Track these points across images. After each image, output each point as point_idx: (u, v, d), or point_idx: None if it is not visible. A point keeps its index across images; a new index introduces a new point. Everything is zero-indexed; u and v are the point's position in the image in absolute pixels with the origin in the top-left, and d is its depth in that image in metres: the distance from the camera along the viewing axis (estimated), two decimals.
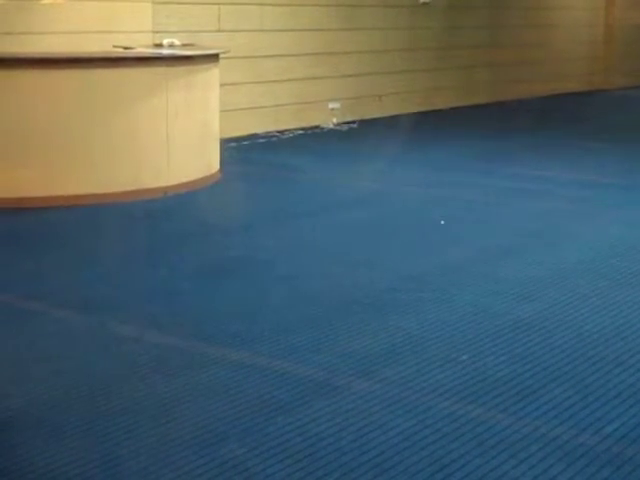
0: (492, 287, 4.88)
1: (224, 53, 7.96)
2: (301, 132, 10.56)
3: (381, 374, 3.71)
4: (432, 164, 8.75)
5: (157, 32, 8.87)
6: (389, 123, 11.48)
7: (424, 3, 12.42)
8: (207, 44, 8.89)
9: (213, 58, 7.69)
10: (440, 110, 12.65)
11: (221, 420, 3.29)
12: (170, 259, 5.44)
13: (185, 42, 8.11)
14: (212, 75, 7.69)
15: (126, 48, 7.61)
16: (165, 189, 7.11)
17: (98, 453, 3.05)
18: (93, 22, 8.40)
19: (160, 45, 7.89)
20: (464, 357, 3.90)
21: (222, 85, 8.16)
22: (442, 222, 6.33)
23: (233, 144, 9.45)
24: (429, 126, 11.41)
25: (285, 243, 5.85)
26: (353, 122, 11.26)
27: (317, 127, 10.90)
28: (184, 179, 7.28)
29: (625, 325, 4.33)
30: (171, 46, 7.78)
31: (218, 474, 2.92)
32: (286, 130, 10.54)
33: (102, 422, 3.27)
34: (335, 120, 11.08)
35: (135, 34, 8.68)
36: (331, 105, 11.05)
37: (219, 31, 9.71)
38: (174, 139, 7.16)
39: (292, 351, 3.95)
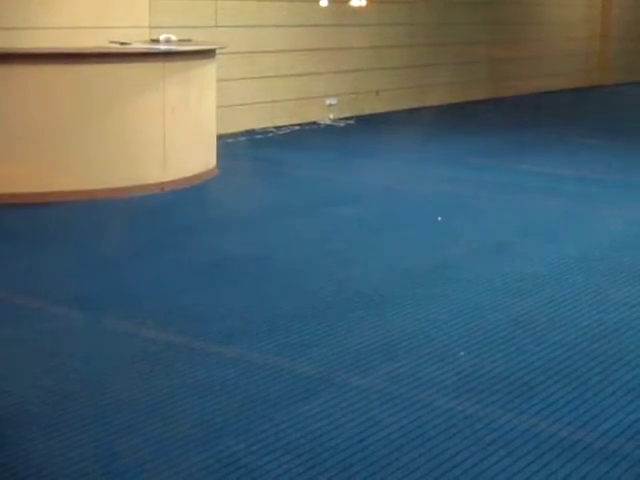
0: (490, 283, 4.88)
1: (221, 49, 7.94)
2: (298, 128, 10.55)
3: (378, 370, 3.71)
4: (429, 160, 8.74)
5: (154, 27, 8.85)
6: (386, 119, 11.47)
7: None
8: (204, 40, 8.87)
9: (210, 54, 7.67)
10: (437, 106, 12.64)
11: (218, 416, 3.29)
12: (166, 255, 5.43)
13: (182, 38, 8.09)
14: (209, 71, 7.67)
15: (122, 43, 7.59)
16: (162, 185, 7.10)
17: (95, 449, 3.04)
18: (89, 17, 8.37)
19: (157, 41, 7.87)
20: (461, 353, 3.89)
21: (219, 81, 8.14)
22: (439, 219, 6.33)
23: (230, 140, 9.44)
24: (426, 122, 11.39)
25: (281, 239, 5.85)
26: (350, 118, 11.25)
27: (314, 123, 10.89)
28: (181, 175, 7.27)
29: (623, 321, 4.32)
30: (168, 42, 7.77)
31: (215, 470, 2.92)
32: (283, 126, 10.52)
33: (99, 418, 3.26)
34: (332, 116, 11.07)
35: (131, 29, 8.65)
36: (328, 101, 11.04)
37: (216, 27, 9.69)
38: (171, 135, 7.14)
39: (289, 347, 3.94)
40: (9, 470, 2.91)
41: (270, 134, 10.13)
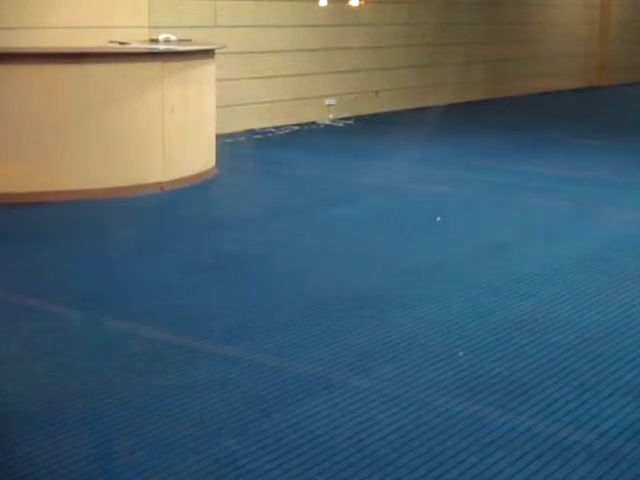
0: (489, 284, 4.87)
1: (220, 49, 7.94)
2: (297, 128, 10.55)
3: (377, 371, 3.70)
4: (428, 160, 8.73)
5: (153, 27, 8.84)
6: (385, 120, 11.47)
7: None
8: (203, 40, 8.87)
9: (209, 54, 7.67)
10: (437, 107, 12.63)
11: (217, 416, 3.28)
12: (165, 255, 5.43)
13: (181, 38, 8.09)
14: (208, 71, 7.67)
15: (122, 43, 7.59)
16: (161, 185, 7.09)
17: (94, 449, 3.04)
18: (89, 17, 8.37)
19: (156, 40, 7.87)
20: (460, 354, 3.89)
21: (218, 81, 8.14)
22: (438, 219, 6.32)
23: (229, 140, 9.43)
24: (426, 123, 11.39)
25: (280, 239, 5.84)
26: (349, 118, 11.25)
27: (313, 123, 10.89)
28: (180, 175, 7.27)
29: (622, 322, 4.32)
30: (167, 41, 7.77)
31: (213, 470, 2.91)
32: (282, 126, 10.52)
33: (98, 418, 3.26)
34: (331, 116, 11.06)
35: (131, 29, 8.65)
36: (327, 101, 11.03)
37: (215, 27, 9.69)
38: (170, 135, 7.14)
39: (288, 347, 3.94)
40: (7, 469, 2.91)
41: (269, 134, 10.13)
